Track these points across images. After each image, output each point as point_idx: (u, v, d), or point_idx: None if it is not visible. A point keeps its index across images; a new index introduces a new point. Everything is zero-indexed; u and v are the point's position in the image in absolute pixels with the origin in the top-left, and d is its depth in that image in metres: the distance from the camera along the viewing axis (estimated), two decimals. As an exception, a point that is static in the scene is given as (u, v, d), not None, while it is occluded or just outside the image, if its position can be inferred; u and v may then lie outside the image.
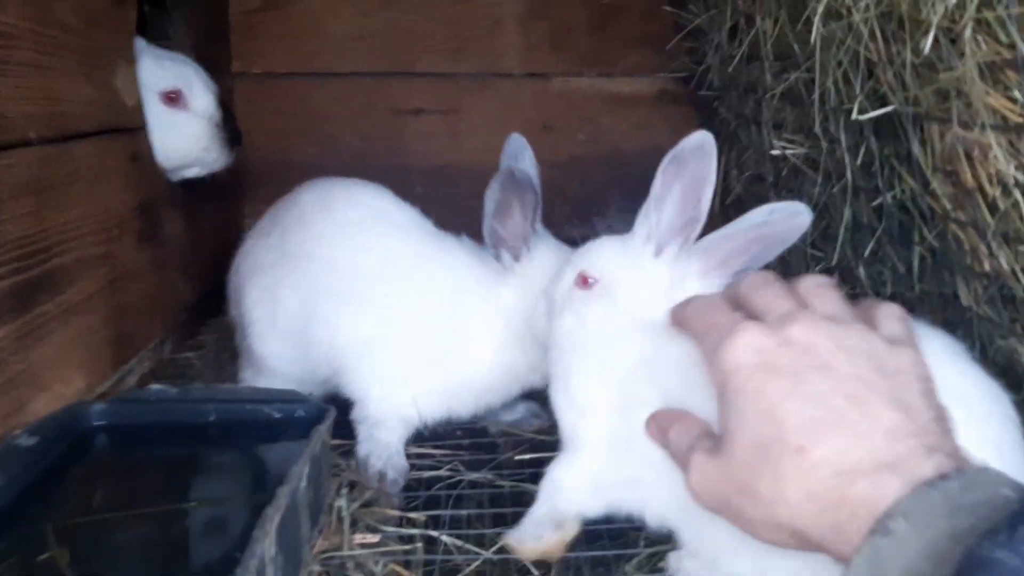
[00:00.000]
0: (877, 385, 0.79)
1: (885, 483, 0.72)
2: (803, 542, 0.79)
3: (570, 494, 1.25)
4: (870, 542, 0.69)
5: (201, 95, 1.97)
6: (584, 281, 1.27)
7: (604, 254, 1.28)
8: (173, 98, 1.92)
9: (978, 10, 0.89)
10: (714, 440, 0.89)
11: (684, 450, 0.92)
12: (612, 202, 2.71)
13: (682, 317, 1.04)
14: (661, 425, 1.00)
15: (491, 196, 1.46)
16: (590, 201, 2.72)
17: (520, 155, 1.57)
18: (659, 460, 1.03)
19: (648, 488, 1.12)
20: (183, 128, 1.95)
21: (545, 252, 1.52)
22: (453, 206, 2.75)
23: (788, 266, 1.89)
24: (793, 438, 0.78)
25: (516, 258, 1.52)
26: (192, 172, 2.03)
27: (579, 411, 1.23)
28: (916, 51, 1.00)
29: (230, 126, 2.02)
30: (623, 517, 1.21)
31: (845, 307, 0.90)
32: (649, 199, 1.18)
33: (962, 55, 0.93)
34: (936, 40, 0.96)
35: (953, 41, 0.96)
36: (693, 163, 1.11)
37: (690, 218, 1.14)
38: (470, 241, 1.66)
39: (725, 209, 2.37)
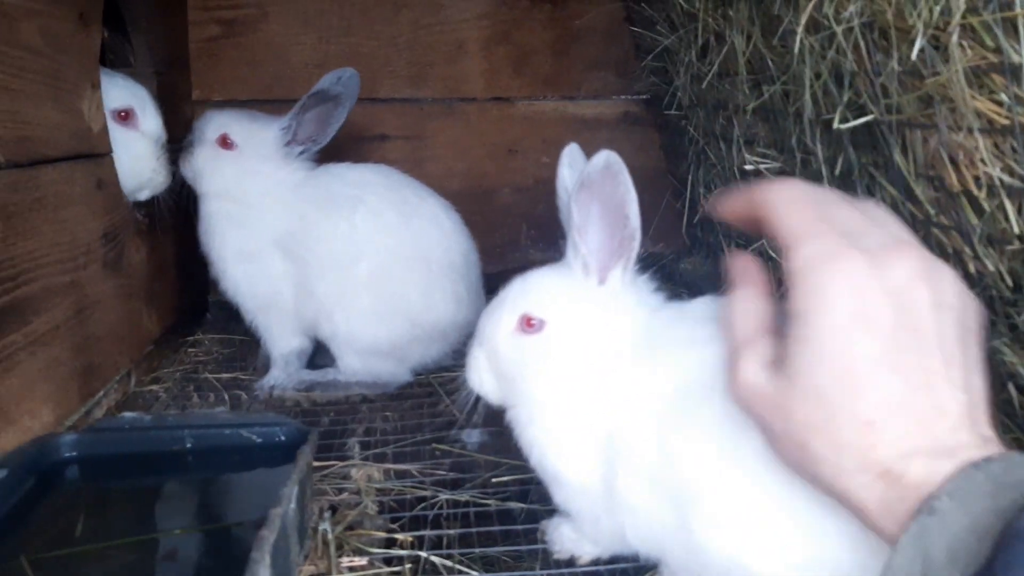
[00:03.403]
0: (955, 359, 0.77)
1: (939, 467, 0.72)
2: (836, 496, 0.78)
3: (568, 546, 1.27)
4: (916, 520, 0.70)
5: (152, 116, 1.97)
6: (528, 323, 1.16)
7: (547, 290, 1.18)
8: (124, 116, 1.91)
9: (964, 16, 0.91)
10: (775, 350, 0.83)
11: (743, 336, 0.87)
12: (578, 225, 2.72)
13: (767, 199, 0.87)
14: (740, 269, 0.93)
15: None
16: (556, 224, 2.70)
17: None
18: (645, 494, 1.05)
19: (634, 521, 1.11)
20: (133, 147, 1.93)
21: None
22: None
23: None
24: (865, 412, 0.76)
25: None
26: (144, 195, 2.01)
27: (565, 487, 1.20)
28: (902, 58, 1.02)
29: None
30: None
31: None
32: (571, 229, 1.13)
33: (947, 60, 0.95)
34: (921, 47, 0.98)
35: (937, 48, 0.98)
36: (605, 184, 1.07)
37: (624, 237, 1.10)
38: None
39: (691, 228, 2.40)
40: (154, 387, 1.98)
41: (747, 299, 0.90)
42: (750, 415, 0.85)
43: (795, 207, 0.85)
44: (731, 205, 0.93)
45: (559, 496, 1.22)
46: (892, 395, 0.76)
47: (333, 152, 2.67)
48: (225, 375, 2.12)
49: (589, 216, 1.10)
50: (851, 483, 0.76)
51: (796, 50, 1.21)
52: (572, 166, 1.24)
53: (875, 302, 0.77)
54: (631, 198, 1.07)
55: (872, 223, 0.84)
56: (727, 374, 0.87)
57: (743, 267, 0.94)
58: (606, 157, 1.05)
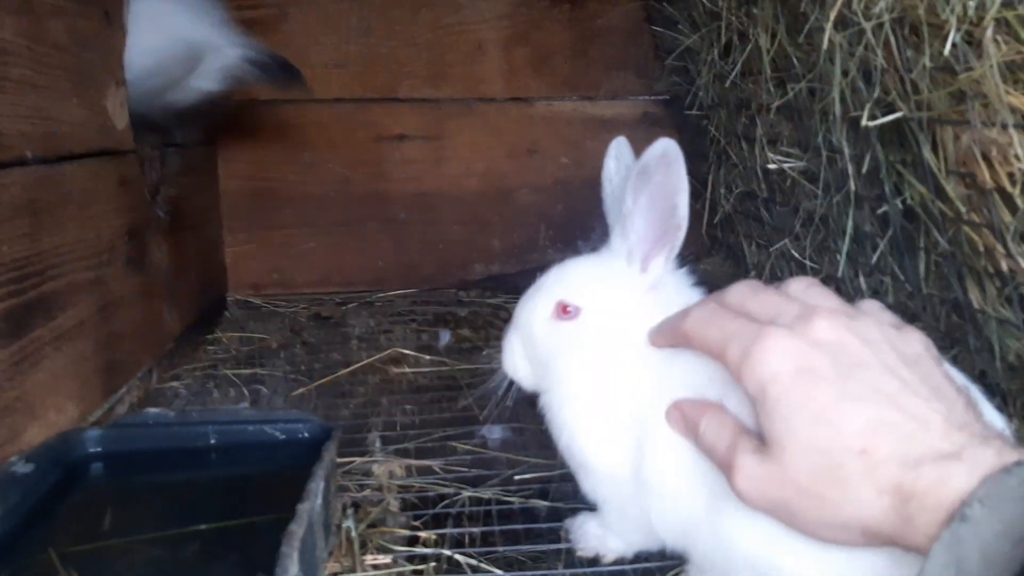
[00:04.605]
0: (908, 377, 0.81)
1: (951, 472, 0.73)
2: (872, 538, 0.79)
3: (593, 543, 1.26)
4: (948, 529, 0.70)
5: None
6: (564, 310, 1.17)
7: (584, 278, 1.19)
8: None
9: (999, 10, 0.90)
10: (755, 440, 0.88)
11: (724, 448, 0.90)
12: (596, 225, 2.71)
13: (684, 331, 0.98)
14: (688, 416, 0.98)
15: None
16: (574, 224, 2.73)
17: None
18: (670, 485, 1.04)
19: (662, 510, 1.11)
20: None
21: None
22: (437, 232, 2.78)
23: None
24: (854, 441, 0.78)
25: None
26: None
27: (593, 474, 1.19)
28: (933, 54, 1.01)
29: None
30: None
31: (841, 301, 0.91)
32: (619, 216, 1.13)
33: (981, 56, 0.95)
34: (954, 42, 0.97)
35: (970, 43, 0.98)
36: (660, 172, 1.06)
37: (670, 226, 1.10)
38: None
39: (711, 229, 2.39)
40: (174, 384, 1.99)
41: (713, 420, 0.94)
42: (765, 506, 0.87)
43: (708, 325, 0.93)
44: (660, 342, 1.05)
45: (586, 483, 1.22)
46: (868, 420, 0.79)
47: (350, 150, 2.70)
48: (244, 372, 2.12)
49: (638, 203, 1.09)
50: (872, 512, 0.78)
51: (824, 47, 1.21)
52: (619, 158, 1.25)
53: (808, 355, 0.83)
54: (683, 187, 1.06)
55: (786, 301, 0.91)
56: (729, 487, 0.89)
57: (692, 406, 1.00)
58: (665, 145, 1.04)
